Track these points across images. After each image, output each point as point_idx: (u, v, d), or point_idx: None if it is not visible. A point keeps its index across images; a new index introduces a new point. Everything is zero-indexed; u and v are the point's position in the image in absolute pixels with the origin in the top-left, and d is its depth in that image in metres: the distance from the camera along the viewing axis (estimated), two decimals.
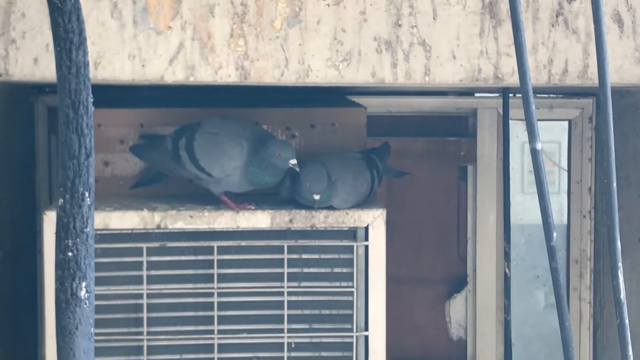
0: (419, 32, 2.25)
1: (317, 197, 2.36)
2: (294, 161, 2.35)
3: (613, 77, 2.26)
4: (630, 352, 1.80)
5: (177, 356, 2.39)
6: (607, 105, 1.79)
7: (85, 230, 1.62)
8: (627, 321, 1.79)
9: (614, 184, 1.80)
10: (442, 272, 3.25)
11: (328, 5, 2.23)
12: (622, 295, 1.78)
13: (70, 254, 1.60)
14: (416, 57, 2.26)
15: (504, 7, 2.24)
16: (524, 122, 1.94)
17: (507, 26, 2.21)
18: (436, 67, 2.26)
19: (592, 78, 2.25)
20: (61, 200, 1.60)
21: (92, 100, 1.65)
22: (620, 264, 1.80)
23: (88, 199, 1.63)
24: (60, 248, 1.61)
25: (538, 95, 3.14)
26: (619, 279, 1.78)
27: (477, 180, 3.20)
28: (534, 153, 1.76)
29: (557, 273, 1.75)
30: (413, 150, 3.19)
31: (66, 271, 1.59)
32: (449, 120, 3.23)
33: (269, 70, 2.23)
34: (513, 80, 2.22)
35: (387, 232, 2.42)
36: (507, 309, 2.92)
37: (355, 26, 2.25)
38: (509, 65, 2.25)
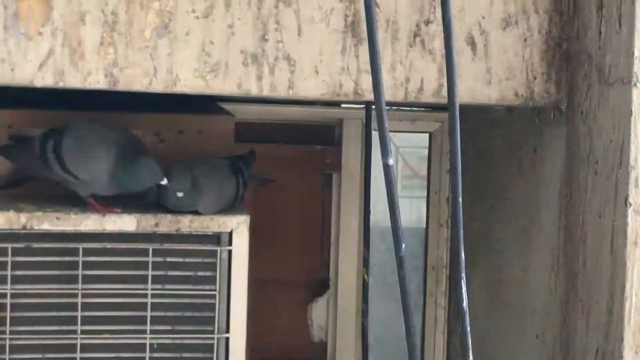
0: (284, 47, 2.34)
1: (180, 194, 2.42)
2: (164, 182, 2.40)
3: (465, 97, 2.39)
4: (471, 358, 1.92)
5: (40, 355, 2.42)
6: (455, 126, 1.91)
7: None
8: (468, 329, 1.91)
9: (460, 199, 1.92)
10: (305, 276, 3.33)
11: (197, 17, 2.30)
12: (465, 304, 1.90)
13: None
14: (281, 70, 2.34)
15: (365, 27, 2.33)
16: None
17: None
18: (300, 81, 2.35)
19: (446, 97, 2.36)
20: None
21: None
22: (463, 275, 1.91)
23: None
24: None
25: (401, 108, 3.26)
26: (462, 289, 1.90)
27: (341, 188, 3.29)
28: (386, 168, 1.87)
29: (405, 282, 1.86)
30: (281, 157, 3.26)
31: None
32: (316, 129, 3.31)
33: (138, 78, 2.29)
34: (372, 96, 2.32)
35: (254, 236, 2.49)
36: (364, 313, 3.03)
37: (223, 39, 2.31)
38: (369, 81, 2.32)
